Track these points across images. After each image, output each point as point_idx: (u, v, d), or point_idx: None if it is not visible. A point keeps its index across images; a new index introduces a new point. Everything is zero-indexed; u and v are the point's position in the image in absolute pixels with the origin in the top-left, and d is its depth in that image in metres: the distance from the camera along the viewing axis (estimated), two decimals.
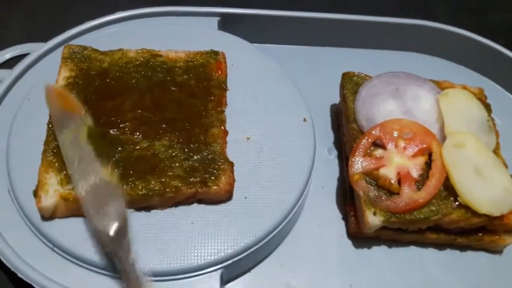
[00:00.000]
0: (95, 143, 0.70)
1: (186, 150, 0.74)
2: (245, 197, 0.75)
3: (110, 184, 0.66)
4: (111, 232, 0.61)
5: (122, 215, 0.63)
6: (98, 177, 0.66)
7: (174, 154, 0.74)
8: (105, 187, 0.65)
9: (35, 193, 0.69)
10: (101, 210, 0.63)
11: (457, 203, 0.73)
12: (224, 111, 0.81)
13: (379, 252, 0.80)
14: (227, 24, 1.00)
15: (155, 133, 0.75)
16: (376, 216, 0.72)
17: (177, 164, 0.73)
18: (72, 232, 0.69)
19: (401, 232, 0.76)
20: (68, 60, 0.83)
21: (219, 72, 0.85)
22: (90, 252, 0.68)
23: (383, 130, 0.78)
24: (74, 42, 0.89)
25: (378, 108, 0.81)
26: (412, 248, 0.80)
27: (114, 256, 0.62)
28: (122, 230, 0.62)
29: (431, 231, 0.77)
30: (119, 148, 0.73)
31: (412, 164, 0.76)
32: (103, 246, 0.63)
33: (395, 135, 0.78)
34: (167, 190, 0.70)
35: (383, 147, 0.78)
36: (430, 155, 0.77)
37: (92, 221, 0.63)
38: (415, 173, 0.75)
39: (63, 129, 0.71)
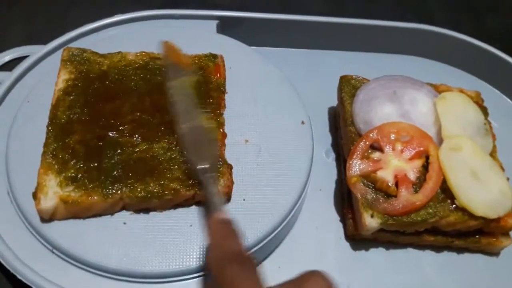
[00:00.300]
0: (199, 96, 0.79)
1: (185, 152, 0.75)
2: (244, 199, 0.75)
3: (208, 129, 0.75)
4: (203, 167, 0.69)
5: (214, 155, 0.73)
6: (199, 121, 0.75)
7: (173, 156, 0.74)
8: (204, 132, 0.74)
9: (35, 195, 0.70)
10: (197, 148, 0.71)
11: (454, 205, 0.74)
12: (222, 113, 0.81)
13: (377, 254, 0.80)
14: (226, 27, 1.00)
15: (154, 135, 0.76)
16: (373, 219, 0.73)
17: (176, 167, 0.73)
18: (72, 234, 0.70)
19: (399, 234, 0.77)
20: (68, 63, 0.83)
21: (218, 75, 0.85)
22: (90, 254, 0.68)
23: (381, 133, 0.79)
24: (73, 44, 0.89)
25: (376, 111, 0.82)
26: (410, 250, 0.81)
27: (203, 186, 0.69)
28: (212, 167, 0.70)
29: (428, 233, 0.77)
30: (118, 151, 0.74)
31: (410, 167, 0.76)
32: (195, 175, 0.71)
33: (393, 138, 0.78)
34: (166, 192, 0.71)
35: (381, 150, 0.78)
36: (427, 158, 0.77)
37: (189, 155, 0.72)
38: (412, 176, 0.76)
39: (175, 78, 0.78)
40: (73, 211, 0.70)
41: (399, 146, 0.78)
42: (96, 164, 0.72)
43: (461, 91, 0.87)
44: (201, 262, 0.69)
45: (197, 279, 0.69)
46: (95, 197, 0.69)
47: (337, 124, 0.93)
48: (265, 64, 0.91)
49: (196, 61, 0.86)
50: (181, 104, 0.75)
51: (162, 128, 0.76)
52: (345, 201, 0.83)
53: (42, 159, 0.72)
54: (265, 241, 0.73)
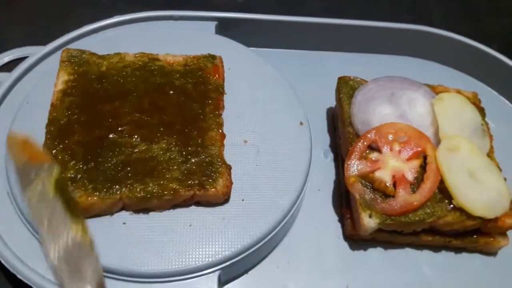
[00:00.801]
0: (64, 197, 0.62)
1: (184, 153, 0.75)
2: (242, 200, 0.75)
3: (83, 243, 0.59)
4: None
5: (97, 276, 0.58)
6: (70, 237, 0.59)
7: (172, 157, 0.74)
8: (78, 248, 0.59)
9: None
10: (74, 273, 0.57)
11: (451, 205, 0.74)
12: (221, 114, 0.82)
13: (375, 254, 0.81)
14: (225, 28, 1.00)
15: (153, 136, 0.76)
16: (371, 219, 0.73)
17: (175, 167, 0.73)
18: None
19: (397, 234, 0.77)
20: (67, 64, 0.83)
21: (217, 76, 0.85)
22: None
23: (379, 134, 0.79)
24: (72, 45, 0.90)
25: (374, 112, 0.82)
26: (408, 250, 0.81)
27: None
28: None
29: (426, 233, 0.78)
30: (117, 151, 0.74)
31: (407, 167, 0.77)
32: None
33: (390, 138, 0.79)
34: (165, 192, 0.71)
35: (379, 150, 0.79)
36: (425, 158, 0.77)
37: (65, 286, 0.57)
38: (410, 176, 0.76)
39: (29, 184, 0.62)
40: None
41: (397, 147, 0.78)
42: (95, 164, 0.73)
43: (459, 92, 0.88)
44: (200, 262, 0.70)
45: (196, 278, 0.70)
46: (95, 198, 0.70)
47: (335, 124, 0.93)
48: (264, 65, 0.92)
49: (195, 61, 0.86)
50: (44, 218, 0.59)
51: (161, 129, 0.77)
52: (343, 201, 0.83)
53: None
54: (264, 241, 0.73)
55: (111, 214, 0.72)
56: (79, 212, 0.61)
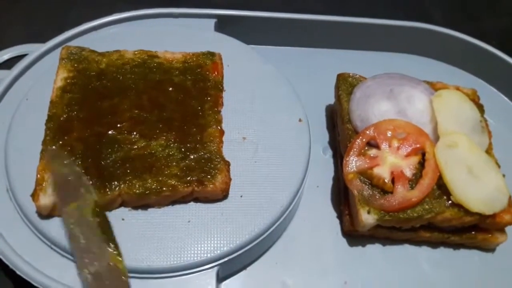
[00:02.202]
0: (101, 222, 0.67)
1: (182, 149, 0.75)
2: (241, 196, 0.76)
3: (117, 270, 0.63)
4: None
5: None
6: (105, 262, 0.63)
7: (171, 153, 0.75)
8: (111, 274, 0.63)
9: (34, 192, 0.70)
10: None
11: (450, 202, 0.74)
12: (220, 111, 0.82)
13: (374, 250, 0.81)
14: (224, 25, 1.01)
15: (152, 132, 0.76)
16: (370, 215, 0.73)
17: (174, 163, 0.74)
18: None
19: (395, 230, 0.77)
20: (66, 61, 0.83)
21: (216, 73, 0.86)
22: None
23: (377, 130, 0.79)
24: (72, 43, 0.90)
25: (373, 108, 0.82)
26: (406, 246, 0.81)
27: None
28: None
29: (424, 229, 0.78)
30: (116, 148, 0.74)
31: (406, 163, 0.77)
32: None
33: (389, 135, 0.79)
34: (164, 189, 0.71)
35: (377, 147, 0.79)
36: (423, 154, 0.78)
37: None
38: (408, 173, 0.76)
39: (67, 205, 0.67)
40: None
41: (395, 143, 0.78)
42: (94, 161, 0.73)
43: (458, 88, 0.88)
44: (199, 258, 0.70)
45: (195, 274, 0.70)
46: (94, 194, 0.70)
47: (334, 121, 0.94)
48: (263, 62, 0.92)
49: (194, 59, 0.86)
50: (80, 241, 0.63)
51: (160, 126, 0.77)
52: (342, 197, 0.83)
53: (40, 157, 0.73)
54: (262, 237, 0.73)
55: (110, 210, 0.72)
56: (113, 238, 0.66)
